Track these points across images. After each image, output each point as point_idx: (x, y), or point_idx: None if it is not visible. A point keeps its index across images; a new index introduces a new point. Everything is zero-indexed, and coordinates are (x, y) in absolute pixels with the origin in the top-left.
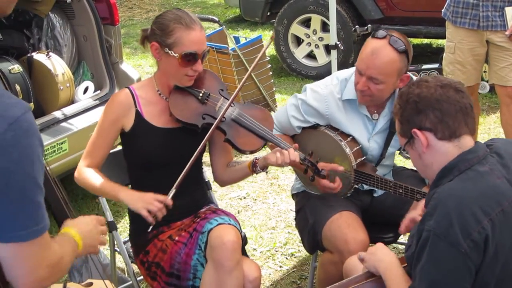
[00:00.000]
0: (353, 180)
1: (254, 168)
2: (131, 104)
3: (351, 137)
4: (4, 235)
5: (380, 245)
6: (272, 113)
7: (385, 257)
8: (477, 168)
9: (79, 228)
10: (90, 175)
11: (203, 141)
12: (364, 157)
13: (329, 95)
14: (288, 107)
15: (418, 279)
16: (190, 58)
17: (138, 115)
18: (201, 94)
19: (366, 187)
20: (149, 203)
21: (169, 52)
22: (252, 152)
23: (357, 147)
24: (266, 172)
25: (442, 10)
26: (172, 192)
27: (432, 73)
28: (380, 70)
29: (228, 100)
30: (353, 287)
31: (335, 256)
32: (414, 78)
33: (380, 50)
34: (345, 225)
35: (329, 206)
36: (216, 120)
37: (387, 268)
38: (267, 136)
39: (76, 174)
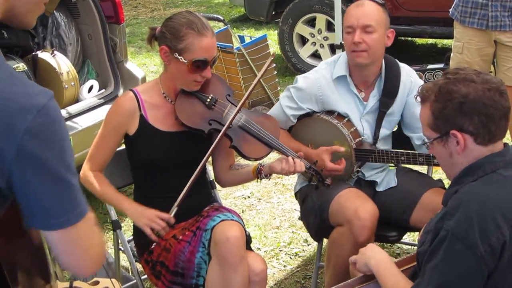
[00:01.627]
0: (354, 159)
1: (259, 174)
2: (135, 108)
3: (346, 119)
4: (50, 222)
5: (370, 244)
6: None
7: (376, 255)
8: (502, 172)
9: None
10: (95, 181)
11: (210, 150)
12: (362, 137)
13: (320, 77)
14: (281, 100)
15: (428, 277)
16: (200, 65)
17: (143, 119)
18: (208, 99)
19: (367, 175)
20: (152, 220)
21: (179, 57)
22: (257, 159)
23: (354, 128)
24: (269, 179)
25: (450, 10)
26: (174, 210)
27: (437, 73)
28: (370, 16)
29: (235, 106)
30: (358, 287)
31: (344, 227)
32: (397, 61)
33: (364, 2)
34: (355, 197)
35: (335, 187)
36: (224, 127)
37: (379, 265)
38: (273, 144)
39: (81, 174)
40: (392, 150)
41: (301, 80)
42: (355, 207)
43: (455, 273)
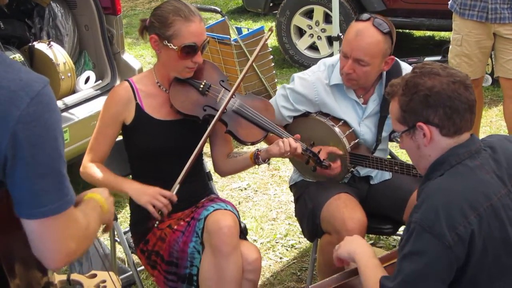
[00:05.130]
0: (349, 163)
1: (256, 159)
2: (131, 97)
3: (342, 121)
4: (32, 211)
5: (356, 236)
6: None
7: (361, 247)
8: (467, 163)
9: (100, 193)
10: (94, 170)
11: (205, 134)
12: (358, 139)
13: (317, 81)
14: (277, 98)
15: (398, 268)
16: (189, 50)
17: (139, 108)
18: (202, 86)
19: (362, 173)
20: (154, 198)
21: (168, 44)
22: (253, 143)
23: (350, 130)
24: (268, 164)
25: (449, 2)
26: (176, 187)
27: None
28: (365, 51)
29: (229, 91)
30: (348, 281)
31: (333, 237)
32: (400, 61)
33: (365, 31)
34: (343, 205)
35: (327, 190)
36: (218, 112)
37: (362, 255)
38: (268, 127)
39: (81, 169)
40: (387, 159)
41: (298, 81)
42: (343, 218)
43: (423, 263)
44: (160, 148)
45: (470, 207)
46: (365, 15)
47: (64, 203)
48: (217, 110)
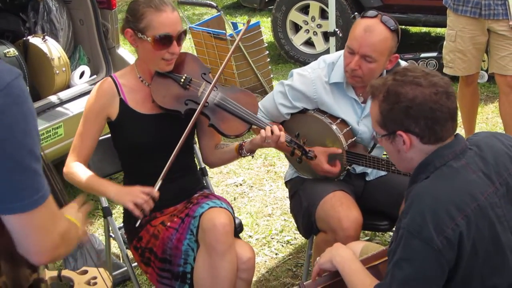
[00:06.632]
0: (345, 161)
1: (240, 151)
2: (114, 92)
3: (340, 119)
4: (7, 206)
5: (337, 244)
6: (259, 101)
7: (341, 252)
8: (452, 163)
9: (69, 213)
10: (77, 172)
11: (187, 129)
12: (355, 137)
13: (316, 78)
14: (275, 95)
15: (390, 275)
16: (164, 41)
17: (123, 103)
18: (182, 80)
19: (358, 170)
20: (135, 195)
21: (142, 36)
22: (237, 136)
23: (347, 128)
24: (252, 156)
25: None
26: (158, 183)
27: (430, 62)
28: (374, 47)
29: (211, 84)
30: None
31: (329, 235)
32: (401, 62)
33: (374, 28)
34: (338, 204)
35: (322, 188)
36: (199, 107)
37: (345, 262)
38: (251, 120)
39: (64, 169)
40: (384, 158)
41: (297, 78)
42: (339, 216)
43: (414, 269)
44: (146, 143)
45: (457, 209)
46: (372, 12)
47: (37, 200)
48: (199, 104)
